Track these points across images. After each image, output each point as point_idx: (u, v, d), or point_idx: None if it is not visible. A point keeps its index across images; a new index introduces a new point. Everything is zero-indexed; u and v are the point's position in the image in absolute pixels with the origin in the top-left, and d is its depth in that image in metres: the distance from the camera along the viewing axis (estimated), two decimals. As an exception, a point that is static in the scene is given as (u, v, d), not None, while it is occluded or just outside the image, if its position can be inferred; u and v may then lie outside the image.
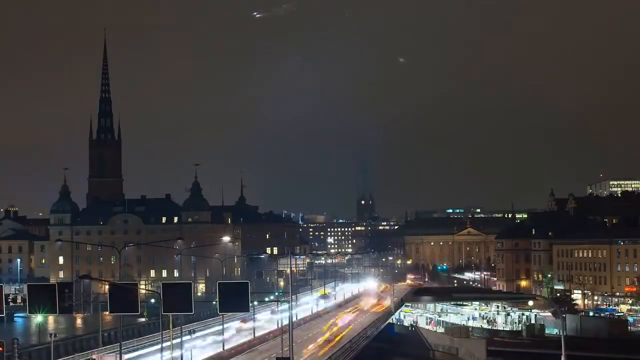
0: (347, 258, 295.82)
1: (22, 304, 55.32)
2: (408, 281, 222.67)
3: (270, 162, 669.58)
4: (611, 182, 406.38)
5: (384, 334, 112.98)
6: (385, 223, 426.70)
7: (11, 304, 57.42)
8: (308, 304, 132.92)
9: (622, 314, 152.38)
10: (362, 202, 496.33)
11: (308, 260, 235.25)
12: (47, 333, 79.04)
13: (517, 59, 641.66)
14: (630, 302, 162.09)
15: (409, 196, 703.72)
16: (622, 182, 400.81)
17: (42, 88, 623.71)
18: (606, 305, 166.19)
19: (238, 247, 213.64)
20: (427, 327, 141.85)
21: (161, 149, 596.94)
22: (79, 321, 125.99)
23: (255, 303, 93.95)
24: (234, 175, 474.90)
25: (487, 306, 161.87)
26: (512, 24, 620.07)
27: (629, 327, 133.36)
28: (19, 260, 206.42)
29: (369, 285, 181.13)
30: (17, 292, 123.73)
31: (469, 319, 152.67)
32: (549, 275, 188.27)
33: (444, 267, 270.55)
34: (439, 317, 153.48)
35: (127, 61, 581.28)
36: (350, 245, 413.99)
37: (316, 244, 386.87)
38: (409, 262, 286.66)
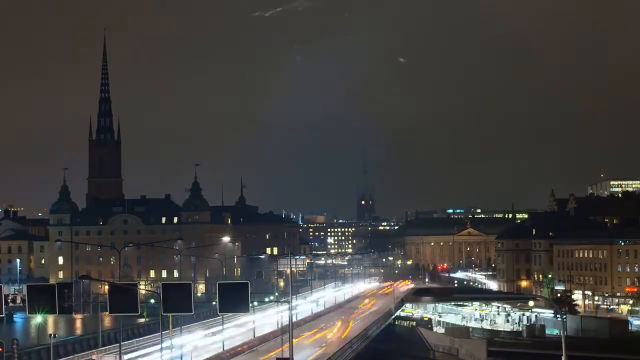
0: (347, 258, 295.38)
1: (21, 304, 55.17)
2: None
3: (270, 162, 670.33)
4: (612, 182, 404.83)
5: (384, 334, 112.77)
6: (385, 223, 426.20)
7: (11, 304, 57.31)
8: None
9: None
10: (362, 202, 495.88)
11: (308, 261, 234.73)
12: (46, 333, 78.68)
13: (517, 59, 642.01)
14: (630, 302, 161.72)
15: (409, 196, 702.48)
16: (623, 182, 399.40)
17: (42, 88, 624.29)
18: (607, 305, 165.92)
19: (238, 247, 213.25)
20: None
21: (161, 149, 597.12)
22: (78, 322, 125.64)
23: (255, 303, 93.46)
24: (234, 175, 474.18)
25: (488, 306, 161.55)
26: (511, 23, 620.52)
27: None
28: (18, 260, 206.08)
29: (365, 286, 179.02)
30: (16, 292, 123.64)
31: (469, 319, 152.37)
32: (550, 276, 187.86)
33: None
34: (439, 317, 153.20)
35: (127, 61, 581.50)
36: (350, 246, 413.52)
37: (316, 244, 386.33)
38: (409, 262, 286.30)
